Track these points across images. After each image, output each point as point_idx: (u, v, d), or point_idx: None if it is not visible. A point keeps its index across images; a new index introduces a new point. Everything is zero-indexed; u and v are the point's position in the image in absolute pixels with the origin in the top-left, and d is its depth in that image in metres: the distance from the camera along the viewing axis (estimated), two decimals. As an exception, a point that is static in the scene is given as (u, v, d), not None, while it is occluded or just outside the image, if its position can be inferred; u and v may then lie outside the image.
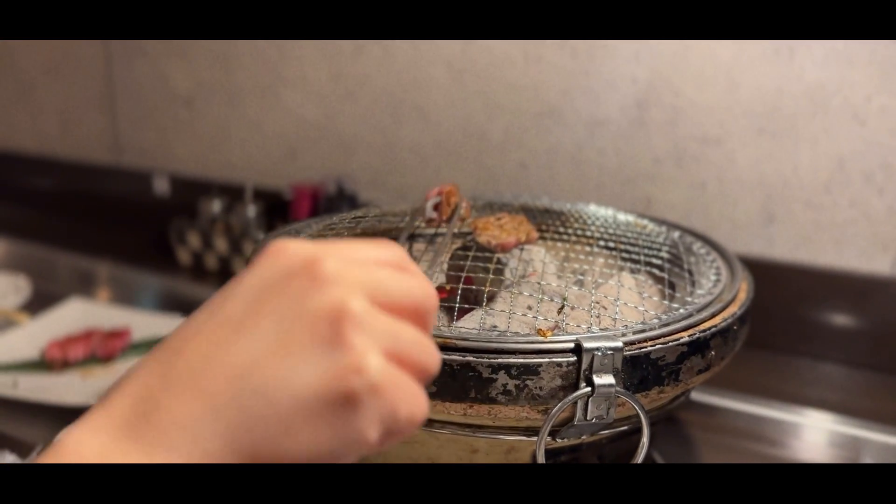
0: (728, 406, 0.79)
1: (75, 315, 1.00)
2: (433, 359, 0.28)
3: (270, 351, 0.25)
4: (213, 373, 0.25)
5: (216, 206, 1.18)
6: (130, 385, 0.27)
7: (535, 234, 0.61)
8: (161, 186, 1.34)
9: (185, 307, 1.02)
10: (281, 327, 0.26)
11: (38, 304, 1.04)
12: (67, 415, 0.74)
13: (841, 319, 0.89)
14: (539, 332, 0.48)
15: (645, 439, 0.46)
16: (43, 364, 0.88)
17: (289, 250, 0.28)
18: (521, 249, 0.61)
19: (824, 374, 0.88)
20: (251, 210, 1.14)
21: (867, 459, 0.73)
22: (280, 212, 1.16)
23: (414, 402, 0.27)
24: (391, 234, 0.67)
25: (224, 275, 1.15)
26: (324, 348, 0.25)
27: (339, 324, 0.25)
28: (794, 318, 0.91)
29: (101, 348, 0.90)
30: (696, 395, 0.79)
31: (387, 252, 0.29)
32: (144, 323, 0.98)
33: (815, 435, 0.76)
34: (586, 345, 0.44)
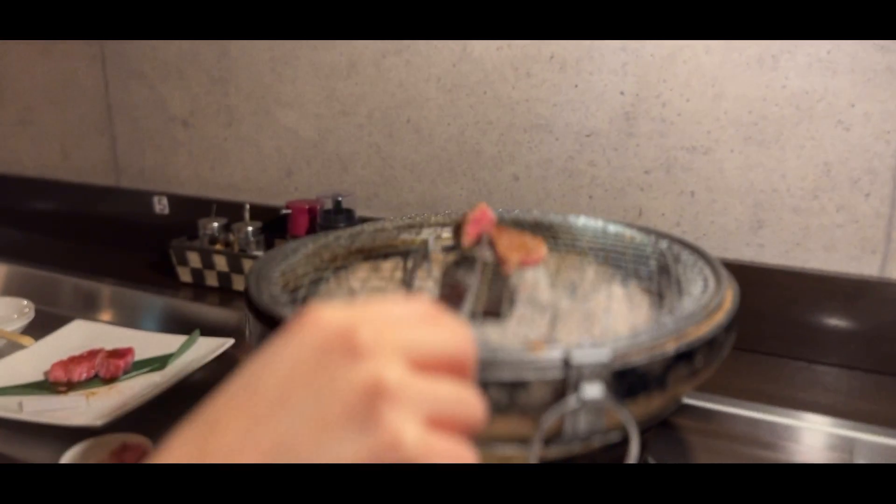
0: (722, 410, 0.80)
1: (79, 336, 1.01)
2: (475, 411, 0.29)
3: (307, 428, 0.26)
4: (249, 450, 0.26)
5: (215, 225, 1.19)
6: (168, 457, 0.27)
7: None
8: (161, 207, 1.36)
9: (186, 326, 1.04)
10: (317, 404, 0.26)
11: (42, 326, 1.05)
12: (73, 436, 0.76)
13: (832, 322, 0.90)
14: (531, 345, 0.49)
15: (634, 448, 0.48)
16: (47, 385, 0.89)
17: (324, 320, 0.28)
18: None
19: (817, 377, 0.89)
20: (250, 228, 1.16)
21: (861, 461, 0.74)
22: (278, 229, 1.18)
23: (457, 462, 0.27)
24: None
25: (224, 292, 1.16)
26: (359, 426, 0.26)
27: (374, 400, 0.26)
28: (786, 322, 0.92)
29: (104, 368, 0.91)
30: (691, 400, 0.80)
31: (419, 307, 0.30)
32: (147, 342, 0.99)
33: (810, 437, 0.77)
34: (574, 357, 0.46)
